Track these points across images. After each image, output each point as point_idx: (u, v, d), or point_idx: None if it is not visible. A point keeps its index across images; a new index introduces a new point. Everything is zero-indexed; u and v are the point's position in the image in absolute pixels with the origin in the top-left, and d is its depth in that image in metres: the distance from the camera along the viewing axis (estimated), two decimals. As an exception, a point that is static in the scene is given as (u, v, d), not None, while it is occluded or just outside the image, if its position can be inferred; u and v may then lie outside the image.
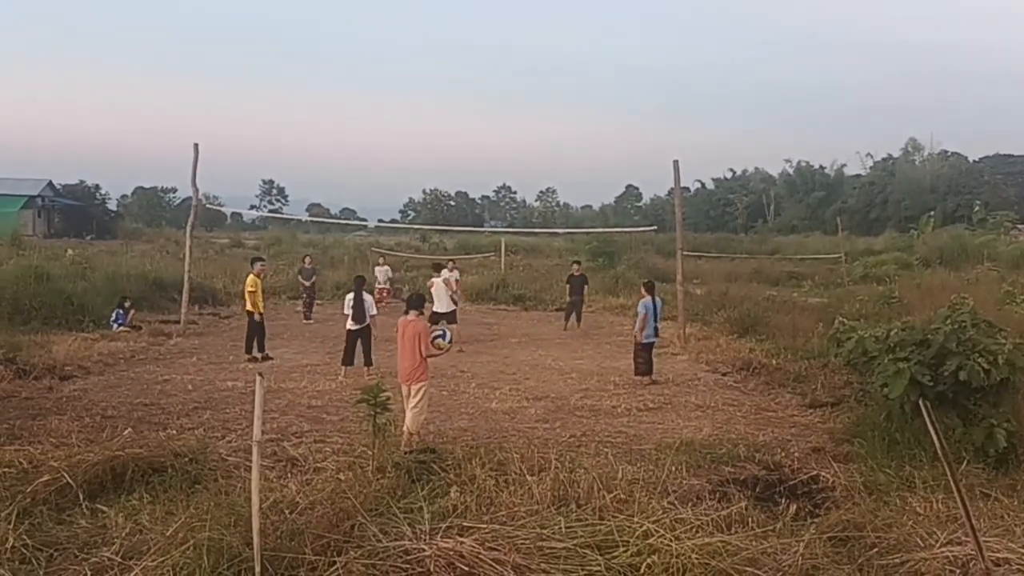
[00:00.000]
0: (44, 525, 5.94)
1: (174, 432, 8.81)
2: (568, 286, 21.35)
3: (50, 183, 63.29)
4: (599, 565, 4.66)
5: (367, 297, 13.43)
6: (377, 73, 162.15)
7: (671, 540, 4.75)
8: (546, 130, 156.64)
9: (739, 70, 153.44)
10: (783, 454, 8.32)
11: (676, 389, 12.49)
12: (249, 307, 14.89)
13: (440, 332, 9.49)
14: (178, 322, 18.37)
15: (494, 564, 4.72)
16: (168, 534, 5.16)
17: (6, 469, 6.77)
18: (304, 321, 21.11)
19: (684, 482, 7.11)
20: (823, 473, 7.33)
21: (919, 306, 19.15)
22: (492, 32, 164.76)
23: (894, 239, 55.52)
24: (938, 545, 5.10)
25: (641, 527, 4.91)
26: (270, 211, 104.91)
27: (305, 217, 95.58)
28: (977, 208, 53.11)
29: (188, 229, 19.20)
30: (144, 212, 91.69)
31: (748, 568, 4.53)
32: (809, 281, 32.30)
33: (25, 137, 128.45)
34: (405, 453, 7.66)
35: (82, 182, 71.57)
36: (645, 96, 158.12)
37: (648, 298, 13.86)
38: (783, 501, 6.61)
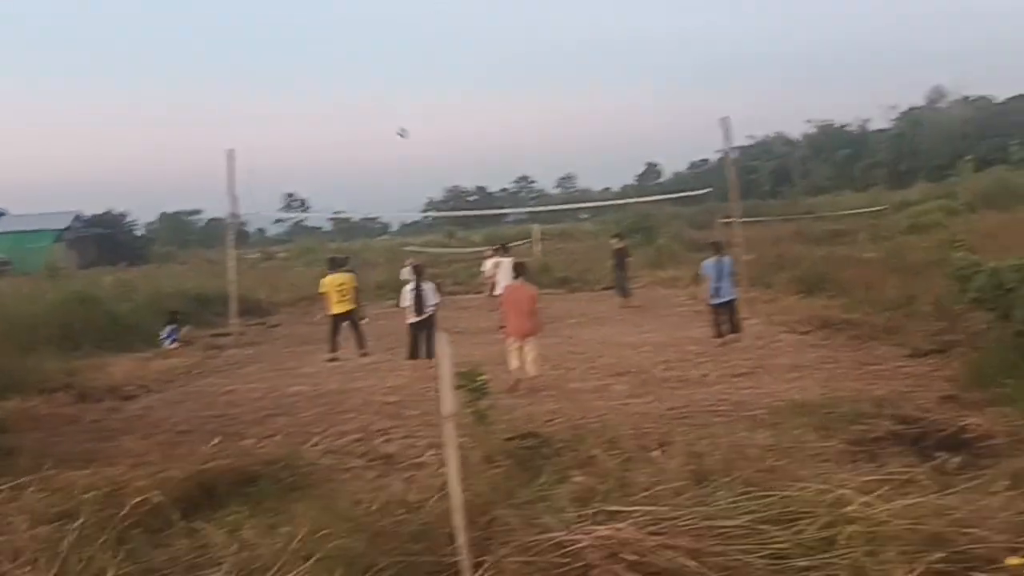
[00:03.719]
0: (141, 550, 5.44)
1: (253, 441, 8.34)
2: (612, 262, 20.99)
3: (77, 215, 63.58)
4: (785, 541, 4.06)
5: (427, 287, 12.88)
6: (388, 76, 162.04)
7: (861, 506, 4.13)
8: (560, 116, 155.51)
9: (749, 34, 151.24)
10: (910, 407, 7.66)
11: (761, 352, 11.85)
12: (349, 306, 14.76)
13: None
14: (228, 334, 17.99)
15: (662, 550, 4.13)
16: (292, 547, 4.61)
17: (90, 494, 6.29)
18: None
19: (818, 445, 6.46)
20: (972, 421, 6.66)
21: (984, 248, 18.40)
22: (494, 20, 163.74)
23: (929, 188, 54.28)
24: None
25: (830, 494, 4.30)
26: (295, 223, 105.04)
27: (328, 215, 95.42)
28: (1015, 147, 51.59)
29: (229, 238, 18.83)
30: (171, 236, 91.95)
31: (965, 529, 3.91)
32: (862, 234, 31.26)
33: (50, 171, 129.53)
34: (509, 440, 7.08)
35: (109, 211, 71.75)
36: (656, 70, 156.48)
37: (713, 258, 13.29)
38: (940, 455, 5.95)
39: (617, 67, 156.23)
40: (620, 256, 20.47)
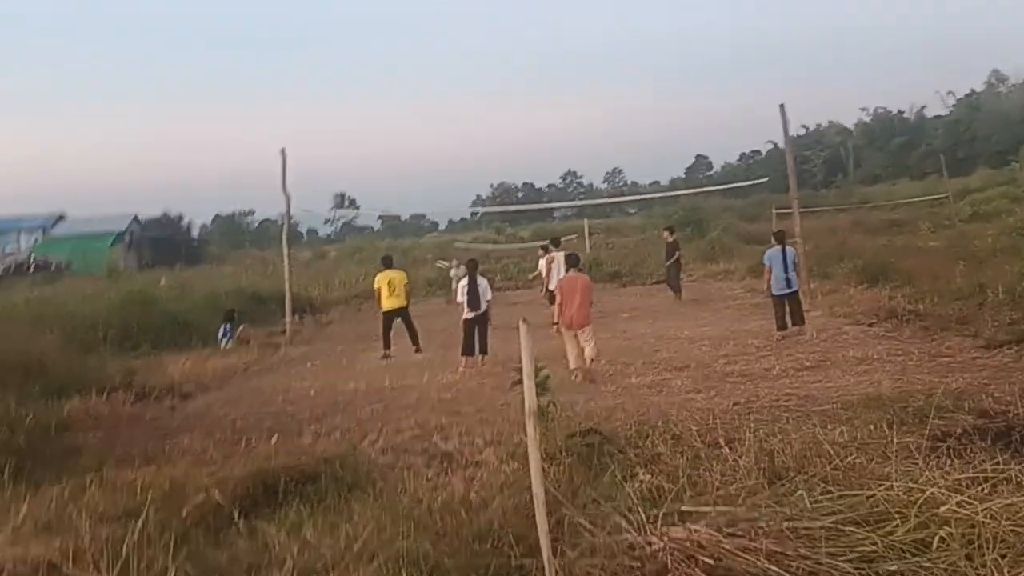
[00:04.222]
0: (202, 550, 5.38)
1: (311, 439, 8.28)
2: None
3: (135, 217, 64.88)
4: (874, 544, 3.81)
5: (482, 282, 12.76)
6: (435, 75, 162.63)
7: (955, 506, 3.87)
8: (607, 109, 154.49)
9: (798, 21, 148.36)
10: (990, 401, 7.29)
11: (826, 345, 11.48)
12: (401, 302, 14.87)
13: None
14: (283, 332, 18.10)
15: (742, 553, 3.92)
16: (356, 548, 4.50)
17: (150, 494, 6.26)
18: None
19: (897, 441, 6.16)
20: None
21: (1056, 235, 17.71)
22: (540, 17, 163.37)
23: (990, 175, 52.70)
24: None
25: (920, 494, 4.04)
26: (344, 222, 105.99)
27: (377, 214, 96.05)
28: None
29: (284, 236, 18.96)
30: (226, 237, 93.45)
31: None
32: (924, 223, 30.33)
33: (110, 175, 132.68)
34: (580, 432, 6.87)
35: (166, 213, 73.19)
36: (704, 61, 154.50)
37: (776, 248, 12.96)
38: (1028, 450, 5.62)
39: (665, 61, 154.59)
40: (671, 250, 20.13)
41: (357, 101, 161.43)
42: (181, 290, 24.01)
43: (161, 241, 63.14)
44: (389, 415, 9.46)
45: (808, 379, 9.35)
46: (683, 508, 4.53)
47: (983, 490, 4.13)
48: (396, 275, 15.12)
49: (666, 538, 4.06)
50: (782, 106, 16.20)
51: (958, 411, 7.00)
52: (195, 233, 79.95)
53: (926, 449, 5.99)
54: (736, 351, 11.66)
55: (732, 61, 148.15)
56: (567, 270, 11.95)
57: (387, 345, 14.58)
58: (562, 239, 20.69)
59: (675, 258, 20.00)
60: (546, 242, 20.51)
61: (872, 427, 6.63)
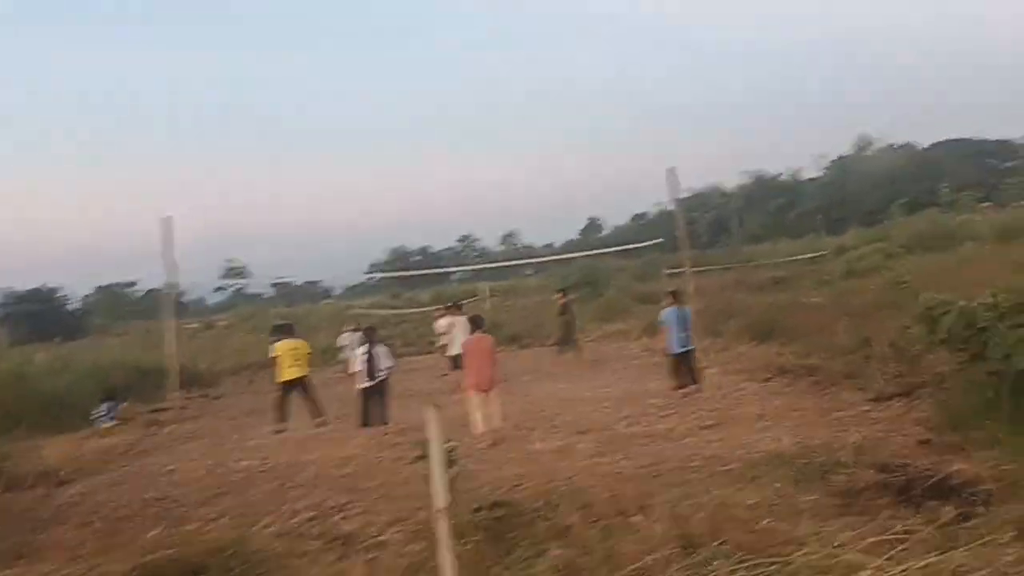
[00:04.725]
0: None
1: (198, 525, 7.73)
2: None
3: (7, 291, 61.45)
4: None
5: (380, 349, 12.42)
6: (327, 140, 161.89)
7: (876, 570, 3.83)
8: (501, 172, 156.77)
9: (681, 88, 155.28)
10: (888, 454, 7.45)
11: (725, 402, 11.61)
12: (302, 372, 14.27)
13: None
14: (169, 408, 17.20)
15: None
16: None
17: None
18: None
19: (804, 500, 6.18)
20: (954, 467, 6.45)
21: (928, 288, 18.64)
22: (433, 78, 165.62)
23: (863, 233, 55.69)
24: None
25: (839, 558, 3.98)
26: (234, 291, 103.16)
27: (270, 280, 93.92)
28: (945, 190, 53.41)
29: (167, 308, 18.12)
30: (108, 308, 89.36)
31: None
32: (807, 281, 31.58)
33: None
34: (475, 510, 6.63)
35: (43, 286, 69.60)
36: (596, 126, 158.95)
37: (672, 307, 13.15)
38: (930, 504, 5.71)
39: (557, 124, 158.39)
40: (563, 310, 20.34)
41: (245, 167, 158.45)
42: (63, 365, 22.60)
43: (36, 315, 59.83)
44: (284, 495, 8.96)
45: (711, 438, 9.39)
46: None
47: (894, 551, 4.11)
48: (298, 343, 14.58)
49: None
50: (671, 170, 16.65)
51: (858, 466, 7.11)
52: (76, 305, 76.17)
53: (832, 507, 6.04)
54: (638, 412, 11.67)
55: (622, 125, 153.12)
56: (472, 331, 11.97)
57: (283, 419, 13.94)
58: (463, 302, 20.54)
59: (567, 319, 20.19)
60: (440, 306, 20.38)
61: (779, 485, 6.67)
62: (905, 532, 4.82)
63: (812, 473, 7.03)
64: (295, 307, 67.15)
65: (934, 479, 6.25)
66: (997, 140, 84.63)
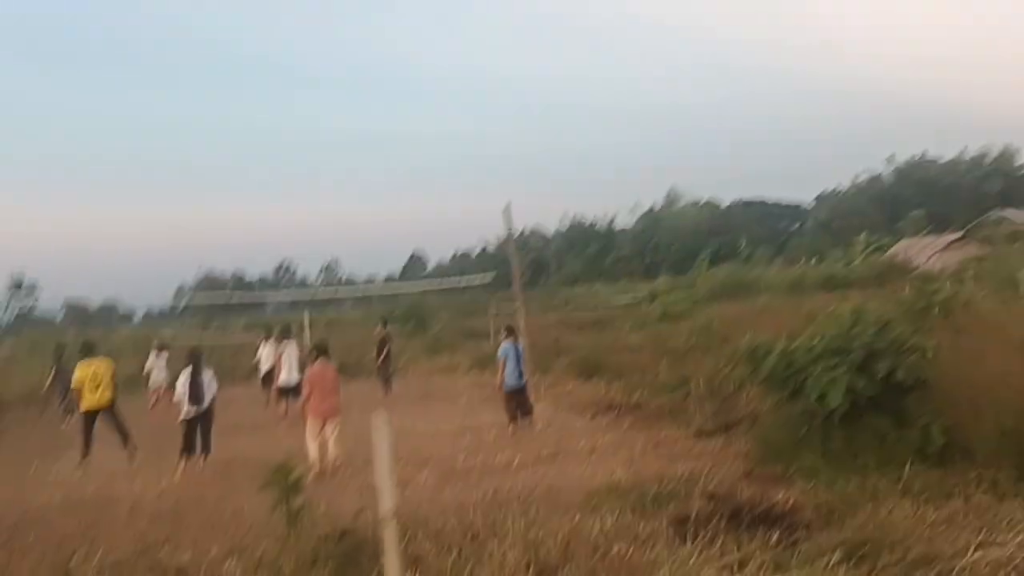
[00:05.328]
0: None
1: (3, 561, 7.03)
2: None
3: None
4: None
5: (206, 375, 11.79)
6: (137, 153, 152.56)
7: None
8: (323, 201, 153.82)
9: (502, 137, 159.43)
10: (715, 484, 7.93)
11: (557, 436, 11.93)
12: (106, 398, 13.22)
13: None
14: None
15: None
16: None
17: None
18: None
19: (645, 527, 6.46)
20: (778, 496, 6.98)
21: (735, 334, 20.06)
22: (256, 105, 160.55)
23: (672, 280, 59.14)
24: (972, 550, 4.79)
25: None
26: (18, 312, 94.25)
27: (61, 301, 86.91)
28: (743, 246, 57.82)
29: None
30: None
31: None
32: (627, 322, 32.97)
33: None
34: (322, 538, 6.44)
35: None
36: (420, 163, 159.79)
37: (508, 343, 13.39)
38: (758, 530, 6.13)
39: (380, 158, 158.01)
40: (382, 344, 20.21)
41: (39, 177, 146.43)
42: None
43: None
44: (99, 529, 8.31)
45: (548, 470, 9.63)
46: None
47: (745, 572, 4.40)
48: (101, 365, 13.39)
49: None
50: (507, 206, 17.02)
51: (689, 496, 7.53)
52: None
53: (671, 535, 6.35)
54: (474, 444, 11.76)
55: (445, 165, 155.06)
56: (316, 358, 11.61)
57: (87, 450, 12.85)
58: (289, 331, 19.85)
59: (386, 352, 20.06)
60: (275, 332, 19.63)
61: (618, 514, 6.93)
62: (743, 557, 5.16)
63: (648, 502, 7.38)
64: (89, 332, 62.37)
65: (760, 507, 6.73)
66: (787, 204, 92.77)
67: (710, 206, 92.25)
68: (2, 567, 6.84)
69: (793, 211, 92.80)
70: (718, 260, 68.00)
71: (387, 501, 3.75)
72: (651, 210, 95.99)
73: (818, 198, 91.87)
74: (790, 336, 8.73)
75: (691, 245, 77.89)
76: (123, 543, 7.52)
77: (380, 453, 3.75)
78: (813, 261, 51.09)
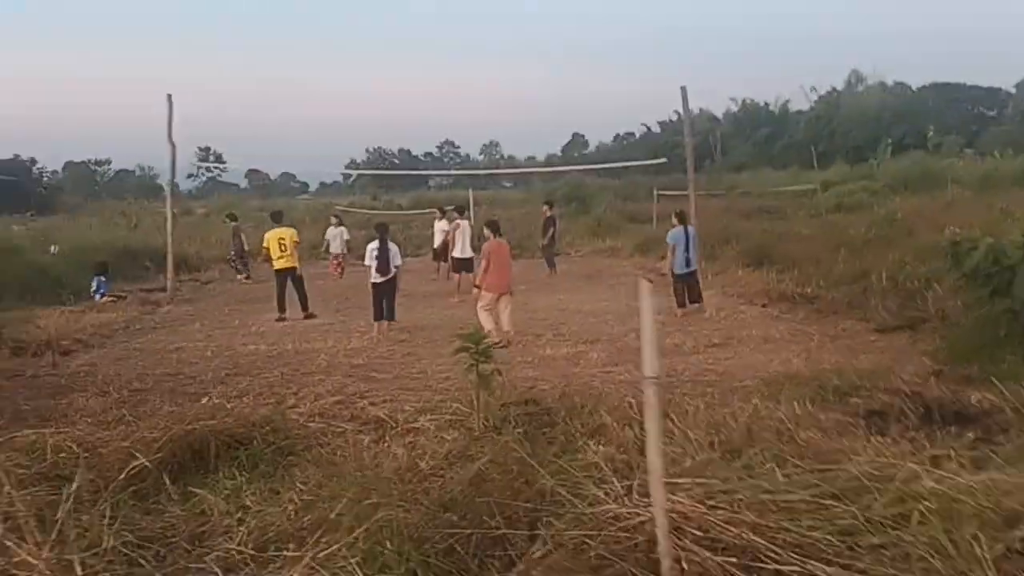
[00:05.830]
0: (132, 517, 4.96)
1: (221, 402, 7.82)
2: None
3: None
4: (854, 517, 3.91)
5: (392, 247, 12.39)
6: (305, 30, 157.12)
7: (938, 481, 4.02)
8: (487, 80, 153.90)
9: (676, 9, 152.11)
10: (900, 381, 7.68)
11: (727, 324, 11.86)
12: (290, 263, 14.19)
13: None
14: (162, 290, 17.15)
15: (726, 525, 3.94)
16: (332, 516, 4.25)
17: (61, 456, 5.73)
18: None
19: (829, 417, 6.39)
20: (971, 397, 6.69)
21: (919, 228, 18.89)
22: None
23: (847, 170, 55.76)
24: None
25: (893, 469, 4.18)
26: (208, 178, 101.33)
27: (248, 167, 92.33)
28: (931, 134, 53.50)
29: (168, 190, 17.88)
30: (78, 186, 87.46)
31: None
32: (799, 212, 31.69)
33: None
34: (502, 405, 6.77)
35: (16, 156, 67.79)
36: (583, 43, 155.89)
37: (679, 228, 13.24)
38: (951, 429, 5.94)
39: (545, 38, 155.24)
40: (548, 224, 20.26)
41: (225, 54, 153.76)
42: (41, 240, 22.36)
43: (10, 185, 58.50)
44: (301, 379, 9.09)
45: (720, 356, 9.62)
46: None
47: (945, 466, 4.31)
48: (285, 232, 14.37)
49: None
50: (683, 88, 16.47)
51: (874, 390, 7.33)
52: (45, 179, 74.51)
53: (853, 426, 6.26)
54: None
55: (609, 44, 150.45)
56: (492, 235, 11.86)
57: (282, 308, 13.96)
58: (464, 208, 20.41)
59: (551, 233, 20.15)
60: (451, 208, 20.27)
61: (797, 403, 6.87)
62: (938, 454, 5.03)
63: (828, 394, 7.24)
64: (271, 200, 66.21)
65: (953, 407, 6.49)
66: (987, 88, 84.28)
67: (900, 89, 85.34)
68: (223, 405, 7.61)
69: (992, 96, 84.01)
70: (902, 149, 63.40)
71: (652, 365, 3.91)
72: (831, 93, 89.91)
73: (1020, 84, 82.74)
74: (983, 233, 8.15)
75: (872, 131, 72.73)
76: (324, 394, 8.18)
77: (644, 321, 3.88)
78: (1009, 153, 46.61)
